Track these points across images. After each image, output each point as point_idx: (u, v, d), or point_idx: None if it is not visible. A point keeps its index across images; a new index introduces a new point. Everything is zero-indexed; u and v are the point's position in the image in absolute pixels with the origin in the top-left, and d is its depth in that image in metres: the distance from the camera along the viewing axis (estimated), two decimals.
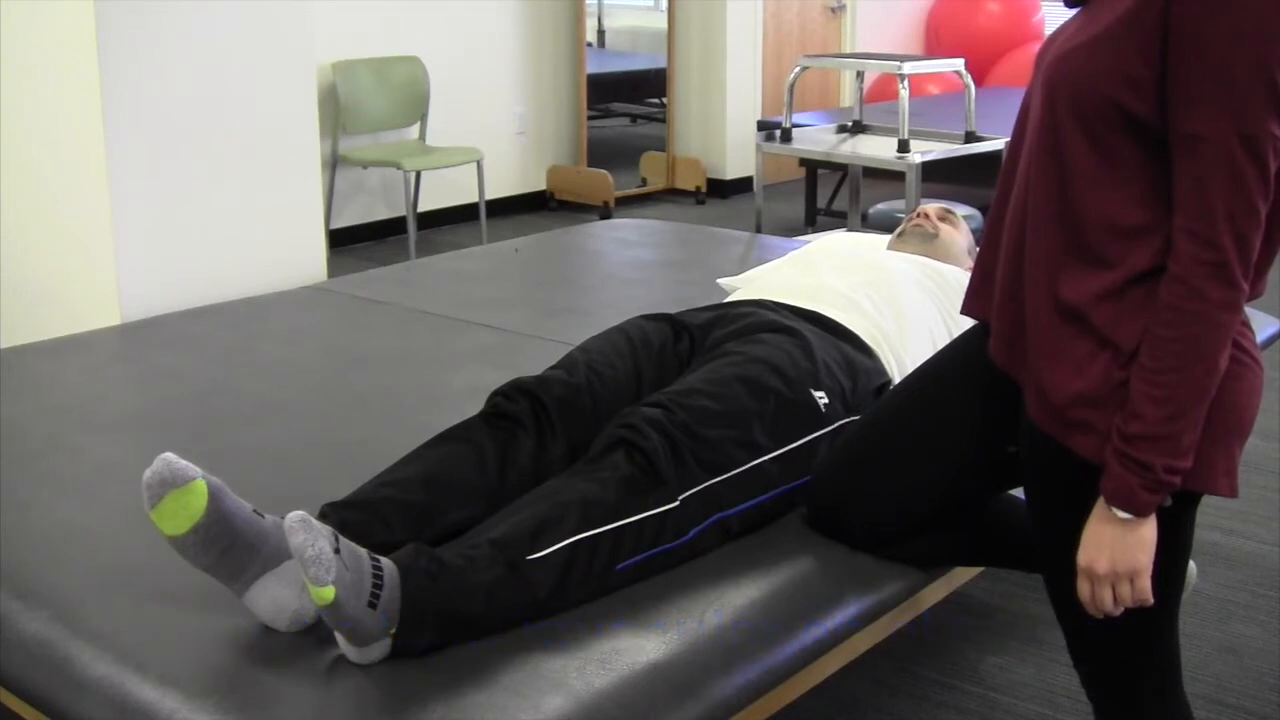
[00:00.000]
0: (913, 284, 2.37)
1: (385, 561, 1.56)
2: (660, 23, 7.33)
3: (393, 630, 1.53)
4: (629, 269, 3.55)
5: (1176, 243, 1.37)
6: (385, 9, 5.90)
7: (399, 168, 5.53)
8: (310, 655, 1.57)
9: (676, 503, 1.80)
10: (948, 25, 8.12)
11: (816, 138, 5.28)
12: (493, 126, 6.49)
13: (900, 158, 4.73)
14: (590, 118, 6.99)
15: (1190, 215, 1.36)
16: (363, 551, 1.55)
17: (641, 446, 1.79)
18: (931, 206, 2.72)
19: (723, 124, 7.18)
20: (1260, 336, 2.88)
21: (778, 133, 5.15)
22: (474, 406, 2.02)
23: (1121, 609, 1.46)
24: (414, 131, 6.03)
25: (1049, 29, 7.76)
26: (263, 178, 3.71)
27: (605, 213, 6.65)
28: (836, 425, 2.03)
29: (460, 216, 6.35)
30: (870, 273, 2.38)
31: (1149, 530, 1.42)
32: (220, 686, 1.51)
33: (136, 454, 2.08)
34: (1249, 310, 1.69)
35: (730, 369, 1.99)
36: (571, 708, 1.49)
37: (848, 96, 7.92)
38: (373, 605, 1.50)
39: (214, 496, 1.58)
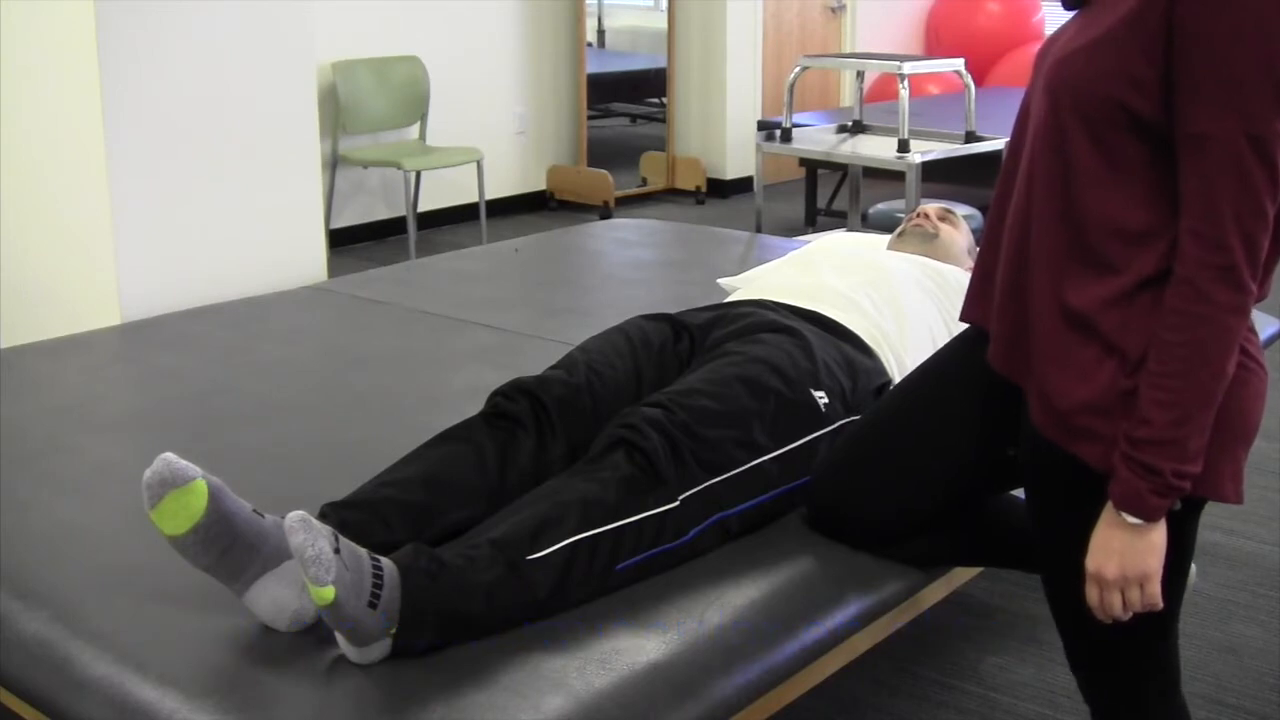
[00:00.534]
0: (913, 284, 2.37)
1: (385, 561, 1.56)
2: (660, 23, 7.33)
3: (393, 630, 1.53)
4: (629, 269, 3.55)
5: (1183, 244, 1.35)
6: (385, 9, 5.90)
7: (399, 168, 5.53)
8: (310, 655, 1.57)
9: (676, 503, 1.80)
10: (948, 25, 8.12)
11: (816, 138, 5.28)
12: (493, 126, 6.49)
13: (900, 158, 4.73)
14: (590, 118, 6.99)
15: (1196, 216, 1.34)
16: (363, 551, 1.55)
17: (641, 446, 1.79)
18: (931, 206, 2.72)
19: (723, 124, 7.18)
20: (1260, 337, 2.87)
21: (778, 133, 5.15)
22: (474, 406, 2.02)
23: (1130, 614, 1.45)
24: (414, 131, 6.03)
25: (1049, 29, 7.76)
26: (263, 178, 3.71)
27: (605, 213, 6.64)
28: (836, 425, 2.03)
29: (460, 216, 6.35)
30: (870, 273, 2.38)
31: (1159, 535, 1.41)
32: (220, 686, 1.51)
33: (136, 454, 2.08)
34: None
35: (730, 369, 1.99)
36: (571, 708, 1.49)
37: (848, 96, 7.91)
38: (373, 605, 1.50)
39: (214, 496, 1.58)
